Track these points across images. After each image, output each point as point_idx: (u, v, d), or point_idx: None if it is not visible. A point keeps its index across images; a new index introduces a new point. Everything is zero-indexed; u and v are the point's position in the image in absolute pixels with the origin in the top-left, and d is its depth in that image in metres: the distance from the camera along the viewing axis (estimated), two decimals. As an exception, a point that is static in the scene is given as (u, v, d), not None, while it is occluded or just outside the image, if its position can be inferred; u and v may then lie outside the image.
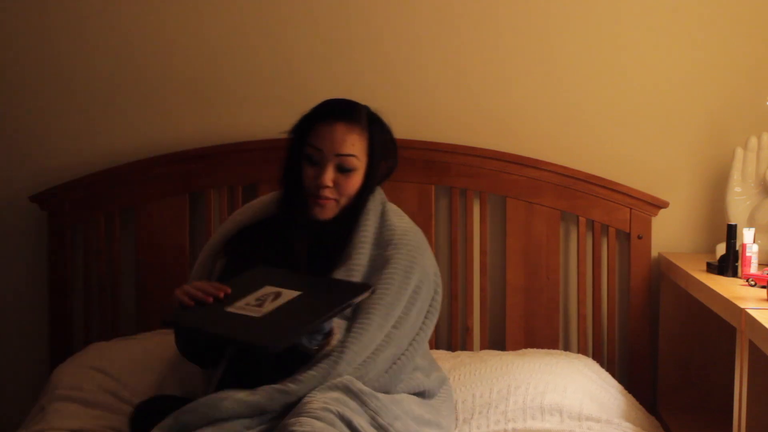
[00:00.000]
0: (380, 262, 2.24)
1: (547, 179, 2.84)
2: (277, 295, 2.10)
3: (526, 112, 2.91)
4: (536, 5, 2.89)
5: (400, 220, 2.34)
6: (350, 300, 2.10)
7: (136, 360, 2.64)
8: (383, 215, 2.32)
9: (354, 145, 2.22)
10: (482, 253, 2.87)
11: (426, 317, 2.30)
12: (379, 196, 2.34)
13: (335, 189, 2.22)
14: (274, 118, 2.92)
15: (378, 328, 2.16)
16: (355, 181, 2.24)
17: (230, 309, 2.08)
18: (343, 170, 2.22)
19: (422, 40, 2.91)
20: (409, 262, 2.25)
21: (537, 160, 2.85)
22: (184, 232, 2.89)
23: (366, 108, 2.31)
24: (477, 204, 2.88)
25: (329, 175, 2.20)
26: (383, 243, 2.27)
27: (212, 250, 2.41)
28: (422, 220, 2.81)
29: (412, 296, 2.24)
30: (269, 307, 2.07)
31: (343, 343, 2.11)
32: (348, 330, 2.14)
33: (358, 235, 2.25)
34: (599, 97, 2.91)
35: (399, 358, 2.21)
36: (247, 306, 2.08)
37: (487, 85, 2.91)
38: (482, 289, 2.87)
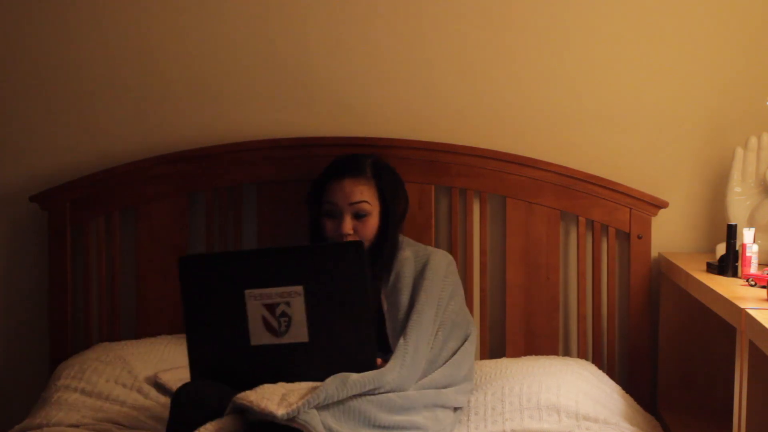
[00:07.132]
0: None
1: (547, 179, 2.84)
2: None
3: (526, 112, 2.91)
4: (537, 5, 2.89)
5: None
6: None
7: (142, 353, 2.65)
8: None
9: (363, 193, 2.49)
10: (482, 253, 2.87)
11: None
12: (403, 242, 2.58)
13: (355, 235, 2.47)
14: (274, 118, 2.93)
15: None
16: (372, 224, 2.50)
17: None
18: (359, 216, 2.48)
19: (422, 41, 2.91)
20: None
21: (537, 160, 2.85)
22: (183, 232, 2.89)
23: (370, 158, 2.56)
24: (477, 204, 2.88)
25: (348, 224, 2.47)
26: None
27: None
28: (422, 220, 2.81)
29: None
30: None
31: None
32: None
33: (402, 279, 2.48)
34: (599, 97, 2.91)
35: None
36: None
37: (487, 85, 2.91)
38: (482, 289, 2.87)
